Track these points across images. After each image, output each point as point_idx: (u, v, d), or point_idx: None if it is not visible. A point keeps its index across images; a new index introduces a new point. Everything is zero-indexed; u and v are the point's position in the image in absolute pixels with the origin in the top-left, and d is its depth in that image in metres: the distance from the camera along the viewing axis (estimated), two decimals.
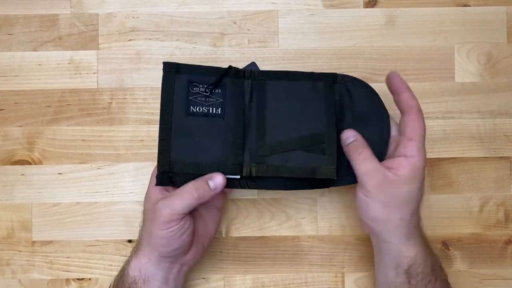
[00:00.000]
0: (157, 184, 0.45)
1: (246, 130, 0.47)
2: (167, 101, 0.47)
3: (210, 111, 0.47)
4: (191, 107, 0.46)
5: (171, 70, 0.47)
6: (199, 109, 0.46)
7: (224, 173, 0.45)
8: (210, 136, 0.46)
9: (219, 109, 0.47)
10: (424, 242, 0.46)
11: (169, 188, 0.46)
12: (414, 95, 0.46)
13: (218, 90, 0.47)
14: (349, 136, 0.46)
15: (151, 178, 0.48)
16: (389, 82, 0.47)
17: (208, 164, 0.46)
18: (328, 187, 0.48)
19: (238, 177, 0.46)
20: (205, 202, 0.45)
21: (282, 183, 0.47)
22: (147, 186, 0.52)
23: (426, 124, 0.54)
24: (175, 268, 0.47)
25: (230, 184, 0.46)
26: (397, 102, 0.47)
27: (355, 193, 0.46)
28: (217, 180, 0.45)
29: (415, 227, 0.45)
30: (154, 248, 0.45)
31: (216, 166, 0.46)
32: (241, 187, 0.47)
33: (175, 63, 0.47)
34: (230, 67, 0.47)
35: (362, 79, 0.49)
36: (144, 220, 0.47)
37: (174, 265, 0.47)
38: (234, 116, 0.47)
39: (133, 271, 0.45)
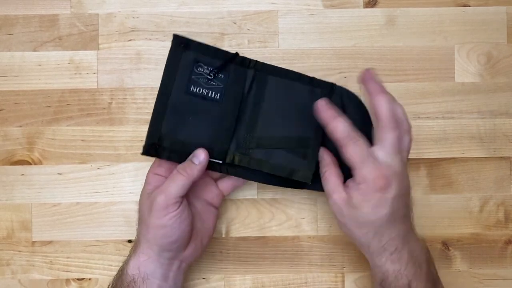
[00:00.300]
0: (142, 153, 0.46)
1: (239, 119, 0.48)
2: (169, 75, 0.47)
3: (209, 95, 0.47)
4: (192, 86, 0.47)
5: (180, 45, 0.47)
6: (199, 90, 0.47)
7: (209, 156, 0.46)
8: (203, 118, 0.47)
9: (218, 94, 0.47)
10: (403, 259, 0.44)
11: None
12: (341, 122, 0.45)
13: (221, 75, 0.48)
14: (320, 156, 0.48)
15: (144, 185, 0.48)
16: (318, 115, 0.46)
17: (196, 145, 0.46)
18: (302, 188, 0.49)
19: (221, 162, 0.47)
20: (196, 180, 0.45)
21: (262, 176, 0.48)
22: None
23: (426, 124, 0.54)
24: (175, 265, 0.47)
25: (211, 166, 0.47)
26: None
27: None
28: (199, 156, 0.46)
29: (383, 248, 0.44)
30: (153, 242, 0.45)
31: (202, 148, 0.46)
32: (221, 171, 0.48)
33: (185, 38, 0.47)
34: (237, 53, 0.48)
35: (357, 94, 0.49)
36: (140, 217, 0.47)
37: (173, 262, 0.46)
38: (230, 104, 0.48)
39: (132, 269, 0.45)
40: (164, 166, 0.48)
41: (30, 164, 0.54)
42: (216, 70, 0.47)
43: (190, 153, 0.46)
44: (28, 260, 0.54)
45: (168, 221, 0.44)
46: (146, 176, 0.48)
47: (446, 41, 0.55)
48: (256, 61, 0.49)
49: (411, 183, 0.54)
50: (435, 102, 0.55)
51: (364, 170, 0.43)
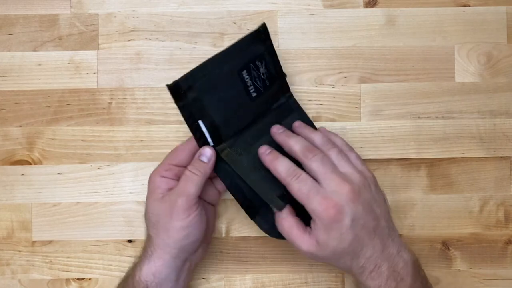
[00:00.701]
0: (169, 86, 0.44)
1: (251, 125, 0.48)
2: (236, 49, 0.47)
3: (250, 89, 0.48)
4: (245, 71, 0.47)
5: (261, 35, 0.48)
6: (247, 78, 0.47)
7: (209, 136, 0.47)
8: (230, 101, 0.47)
9: (255, 94, 0.48)
10: (383, 275, 0.44)
11: (173, 184, 0.46)
12: (280, 162, 0.45)
13: (267, 82, 0.49)
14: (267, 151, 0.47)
15: (150, 184, 0.47)
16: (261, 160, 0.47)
17: (208, 116, 0.46)
18: (253, 219, 0.48)
19: (212, 145, 0.47)
20: (208, 177, 0.46)
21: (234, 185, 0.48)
22: (147, 186, 0.52)
23: (426, 124, 0.54)
24: (186, 266, 0.47)
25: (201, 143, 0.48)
26: None
27: None
28: (207, 153, 0.46)
29: (362, 267, 0.44)
30: (173, 246, 0.45)
31: (211, 128, 0.47)
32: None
33: (268, 33, 0.48)
34: (285, 74, 0.51)
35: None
36: (153, 223, 0.46)
37: (185, 263, 0.47)
38: (256, 109, 0.49)
39: (146, 276, 0.45)
40: (172, 169, 0.47)
41: (30, 164, 0.54)
42: (269, 75, 0.49)
43: (199, 119, 0.46)
44: (28, 260, 0.54)
45: (190, 222, 0.45)
46: (152, 181, 0.47)
47: (446, 41, 0.55)
48: (291, 94, 0.51)
49: (411, 183, 0.54)
50: (435, 102, 0.55)
51: (313, 205, 0.42)
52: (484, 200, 0.55)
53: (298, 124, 0.49)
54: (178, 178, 0.47)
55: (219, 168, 0.48)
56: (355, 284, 0.54)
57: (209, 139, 0.47)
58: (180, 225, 0.45)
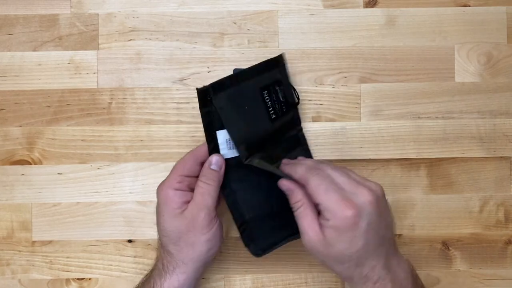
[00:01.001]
0: (198, 89, 0.45)
1: (263, 146, 0.49)
2: (261, 69, 0.48)
3: (269, 110, 0.49)
4: (266, 92, 0.49)
5: (282, 62, 0.51)
6: (267, 99, 0.49)
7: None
8: (250, 118, 0.47)
9: (274, 116, 0.49)
10: (390, 285, 0.43)
11: (188, 196, 0.46)
12: (299, 166, 0.44)
13: (284, 108, 0.50)
14: (288, 189, 0.45)
15: (164, 199, 0.46)
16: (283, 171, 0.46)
17: (229, 127, 0.47)
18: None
19: (236, 154, 0.48)
20: (220, 185, 0.47)
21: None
22: (147, 186, 0.52)
23: (426, 124, 0.54)
24: (200, 272, 0.48)
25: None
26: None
27: None
28: (217, 161, 0.47)
29: (366, 277, 0.43)
30: (198, 259, 0.46)
31: (239, 139, 0.47)
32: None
33: (284, 62, 0.51)
34: (298, 103, 0.52)
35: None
36: (173, 240, 0.46)
37: (202, 270, 0.47)
38: (271, 130, 0.49)
39: None
40: (184, 181, 0.46)
41: (30, 164, 0.54)
42: (286, 102, 0.50)
43: (218, 129, 0.46)
44: (28, 260, 0.54)
45: (213, 234, 0.45)
46: (165, 195, 0.46)
47: (446, 41, 0.55)
48: (302, 128, 0.53)
49: (411, 183, 0.54)
50: (435, 102, 0.55)
51: (330, 202, 0.41)
52: (484, 200, 0.55)
53: (302, 158, 0.49)
54: (190, 189, 0.46)
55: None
56: None
57: (223, 152, 0.47)
58: (204, 239, 0.45)
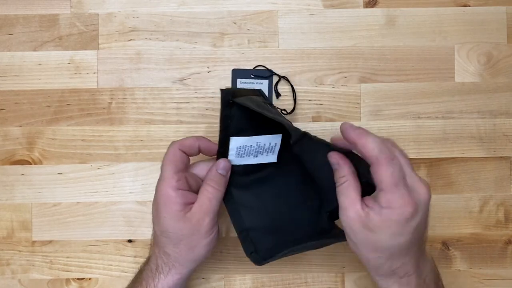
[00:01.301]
0: (223, 90, 0.44)
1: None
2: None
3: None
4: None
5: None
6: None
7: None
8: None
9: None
10: (412, 283, 0.42)
11: (189, 198, 0.45)
12: (372, 138, 0.40)
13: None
14: (335, 163, 0.44)
15: (164, 199, 0.44)
16: (344, 136, 0.42)
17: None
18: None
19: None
20: (225, 189, 0.46)
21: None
22: (147, 186, 0.52)
23: (426, 124, 0.54)
24: (193, 272, 0.47)
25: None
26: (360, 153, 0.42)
27: None
28: (225, 166, 0.46)
29: (393, 272, 0.42)
30: (196, 261, 0.46)
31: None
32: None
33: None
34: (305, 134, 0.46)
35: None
36: (173, 240, 0.45)
37: (194, 270, 0.47)
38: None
39: None
40: (183, 178, 0.45)
41: (30, 164, 0.54)
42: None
43: (232, 135, 0.46)
44: (28, 260, 0.54)
45: (213, 237, 0.45)
46: (166, 195, 0.44)
47: (446, 41, 0.55)
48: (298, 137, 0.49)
49: None
50: (435, 102, 0.55)
51: (395, 195, 0.39)
52: (484, 200, 0.55)
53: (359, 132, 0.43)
54: (189, 186, 0.46)
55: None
56: (356, 284, 0.54)
57: (231, 158, 0.47)
58: (205, 242, 0.45)
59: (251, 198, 0.48)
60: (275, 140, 0.48)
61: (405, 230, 0.40)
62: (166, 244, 0.45)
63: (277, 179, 0.49)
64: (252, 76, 0.54)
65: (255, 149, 0.47)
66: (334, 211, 0.45)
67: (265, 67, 0.54)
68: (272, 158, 0.48)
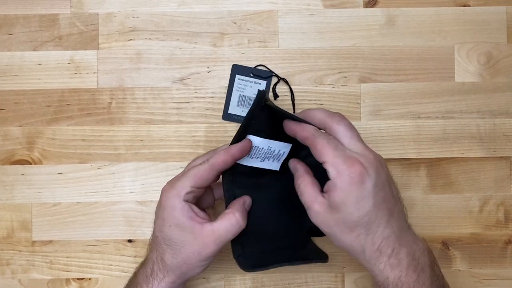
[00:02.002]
0: (260, 91, 0.43)
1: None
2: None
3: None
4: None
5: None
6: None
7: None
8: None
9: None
10: (403, 263, 0.41)
11: (197, 212, 0.44)
12: (307, 125, 0.43)
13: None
14: (292, 168, 0.46)
15: (170, 204, 0.43)
16: (285, 130, 0.45)
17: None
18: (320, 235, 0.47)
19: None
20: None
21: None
22: (147, 186, 0.52)
23: (426, 124, 0.54)
24: (185, 282, 0.47)
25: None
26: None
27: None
28: (249, 202, 0.46)
29: (379, 250, 0.41)
30: (187, 275, 0.45)
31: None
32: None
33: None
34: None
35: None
36: (174, 249, 0.44)
37: (188, 281, 0.47)
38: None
39: None
40: (194, 192, 0.44)
41: (30, 164, 0.54)
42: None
43: (252, 131, 0.45)
44: (28, 260, 0.54)
45: (211, 261, 0.45)
46: (171, 204, 0.43)
47: (446, 41, 0.55)
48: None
49: (411, 183, 0.54)
50: (435, 102, 0.55)
51: (338, 160, 0.40)
52: (484, 200, 0.55)
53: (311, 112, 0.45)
54: (197, 201, 0.45)
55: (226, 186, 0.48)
56: (356, 284, 0.54)
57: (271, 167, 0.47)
58: (201, 264, 0.44)
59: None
60: (284, 148, 0.47)
61: (365, 193, 0.39)
62: (166, 251, 0.44)
63: (274, 188, 0.49)
64: (251, 74, 0.54)
65: (264, 153, 0.47)
66: (314, 227, 0.45)
67: (266, 67, 0.54)
68: (275, 165, 0.48)
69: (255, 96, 0.51)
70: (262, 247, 0.46)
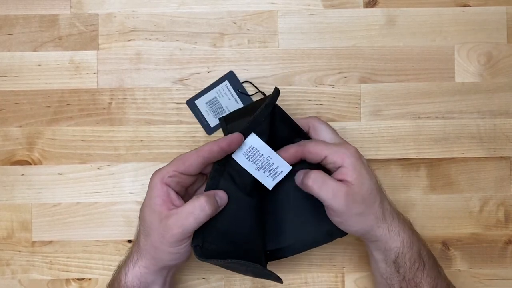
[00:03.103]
0: (277, 89, 0.46)
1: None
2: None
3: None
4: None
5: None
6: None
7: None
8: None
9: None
10: (409, 227, 0.46)
11: (173, 198, 0.44)
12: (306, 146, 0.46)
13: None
14: (299, 174, 0.46)
15: (151, 186, 0.44)
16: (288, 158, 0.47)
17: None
18: (341, 235, 0.48)
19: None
20: (211, 216, 0.44)
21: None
22: (146, 186, 0.52)
23: (426, 124, 0.54)
24: (172, 271, 0.47)
25: None
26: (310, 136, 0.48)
27: (331, 219, 0.46)
28: (223, 198, 0.45)
29: (391, 215, 0.45)
30: (160, 262, 0.44)
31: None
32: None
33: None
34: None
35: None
36: (144, 232, 0.44)
37: (171, 269, 0.46)
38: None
39: (132, 281, 0.45)
40: (176, 177, 0.44)
41: (30, 164, 0.54)
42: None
43: (256, 130, 0.45)
44: (28, 260, 0.54)
45: (180, 250, 0.44)
46: (153, 185, 0.44)
47: (446, 41, 0.55)
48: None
49: (411, 183, 0.54)
50: (435, 102, 0.55)
51: (335, 149, 0.44)
52: (484, 200, 0.55)
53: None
54: (181, 186, 0.45)
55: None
56: (356, 284, 0.54)
57: (239, 152, 0.45)
58: (169, 251, 0.43)
59: (230, 197, 0.46)
60: (283, 167, 0.46)
61: (365, 167, 0.45)
62: (141, 233, 0.45)
63: (259, 198, 0.47)
64: (238, 91, 0.54)
65: (262, 161, 0.46)
66: (272, 253, 0.48)
67: (253, 84, 0.54)
68: (269, 183, 0.47)
69: (225, 107, 0.53)
70: (222, 248, 0.45)
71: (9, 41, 0.54)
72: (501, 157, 0.55)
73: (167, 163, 0.52)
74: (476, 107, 0.55)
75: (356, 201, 0.43)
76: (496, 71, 0.55)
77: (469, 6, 0.55)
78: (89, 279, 0.54)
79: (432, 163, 0.55)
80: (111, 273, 0.54)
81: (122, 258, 0.53)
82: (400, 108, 0.54)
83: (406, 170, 0.54)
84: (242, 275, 0.54)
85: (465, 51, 0.55)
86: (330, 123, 0.54)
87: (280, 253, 0.49)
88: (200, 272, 0.54)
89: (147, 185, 0.53)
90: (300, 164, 0.47)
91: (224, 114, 0.49)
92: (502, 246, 0.55)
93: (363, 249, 0.54)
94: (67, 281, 0.54)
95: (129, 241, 0.54)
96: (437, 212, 0.54)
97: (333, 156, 0.44)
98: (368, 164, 0.46)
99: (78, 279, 0.54)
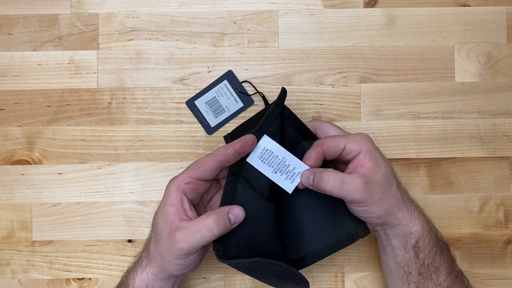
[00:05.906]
0: (284, 89, 0.46)
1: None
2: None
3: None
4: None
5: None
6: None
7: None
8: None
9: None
10: (423, 211, 0.48)
11: (186, 208, 0.43)
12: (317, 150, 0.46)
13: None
14: (307, 175, 0.45)
15: (167, 193, 0.43)
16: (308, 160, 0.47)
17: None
18: (361, 236, 0.47)
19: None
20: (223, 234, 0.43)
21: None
22: (146, 186, 0.52)
23: (426, 124, 0.54)
24: (179, 279, 0.47)
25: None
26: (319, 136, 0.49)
27: (351, 210, 0.45)
28: (238, 216, 0.43)
29: (409, 199, 0.47)
30: (166, 270, 0.44)
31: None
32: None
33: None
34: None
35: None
36: (155, 238, 0.44)
37: (179, 277, 0.46)
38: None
39: (139, 286, 0.45)
40: (192, 183, 0.43)
41: (30, 164, 0.54)
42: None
43: (268, 132, 0.45)
44: (28, 260, 0.54)
45: (187, 262, 0.43)
46: (168, 192, 0.43)
47: (446, 41, 0.55)
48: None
49: (411, 183, 0.54)
50: (435, 102, 0.55)
51: (350, 138, 0.45)
52: (484, 200, 0.55)
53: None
54: (196, 194, 0.44)
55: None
56: (356, 284, 0.54)
57: (253, 155, 0.45)
58: (175, 262, 0.43)
59: (248, 201, 0.45)
60: (300, 168, 0.45)
61: (379, 152, 0.46)
62: (152, 239, 0.45)
63: (274, 201, 0.47)
64: (237, 90, 0.54)
65: (278, 163, 0.45)
66: (293, 263, 0.47)
67: (252, 84, 0.54)
68: (288, 186, 0.46)
69: (225, 107, 0.53)
70: (244, 252, 0.44)
71: (9, 41, 0.54)
72: (501, 157, 0.55)
73: (166, 163, 0.53)
74: (476, 107, 0.55)
75: (375, 186, 0.44)
76: (496, 71, 0.55)
77: (469, 6, 0.55)
78: (89, 279, 0.54)
79: (432, 163, 0.55)
80: (111, 272, 0.54)
81: (123, 257, 0.53)
82: (400, 108, 0.55)
83: (406, 170, 0.54)
84: (242, 275, 0.54)
85: (465, 51, 0.55)
86: None
87: (302, 262, 0.47)
88: (200, 272, 0.54)
89: (147, 185, 0.53)
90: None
91: (228, 132, 0.49)
92: (502, 246, 0.55)
93: (363, 249, 0.54)
94: (67, 280, 0.54)
95: (129, 240, 0.54)
96: (437, 212, 0.54)
97: (351, 145, 0.45)
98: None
99: (78, 279, 0.54)
